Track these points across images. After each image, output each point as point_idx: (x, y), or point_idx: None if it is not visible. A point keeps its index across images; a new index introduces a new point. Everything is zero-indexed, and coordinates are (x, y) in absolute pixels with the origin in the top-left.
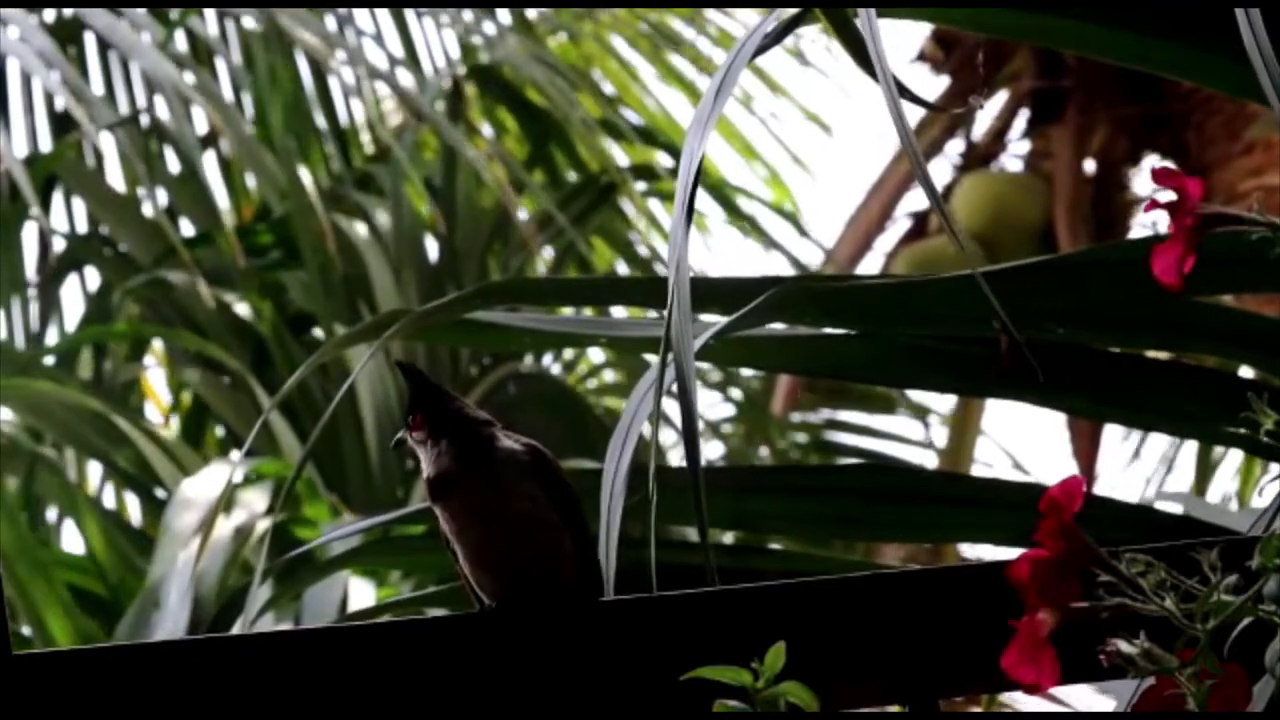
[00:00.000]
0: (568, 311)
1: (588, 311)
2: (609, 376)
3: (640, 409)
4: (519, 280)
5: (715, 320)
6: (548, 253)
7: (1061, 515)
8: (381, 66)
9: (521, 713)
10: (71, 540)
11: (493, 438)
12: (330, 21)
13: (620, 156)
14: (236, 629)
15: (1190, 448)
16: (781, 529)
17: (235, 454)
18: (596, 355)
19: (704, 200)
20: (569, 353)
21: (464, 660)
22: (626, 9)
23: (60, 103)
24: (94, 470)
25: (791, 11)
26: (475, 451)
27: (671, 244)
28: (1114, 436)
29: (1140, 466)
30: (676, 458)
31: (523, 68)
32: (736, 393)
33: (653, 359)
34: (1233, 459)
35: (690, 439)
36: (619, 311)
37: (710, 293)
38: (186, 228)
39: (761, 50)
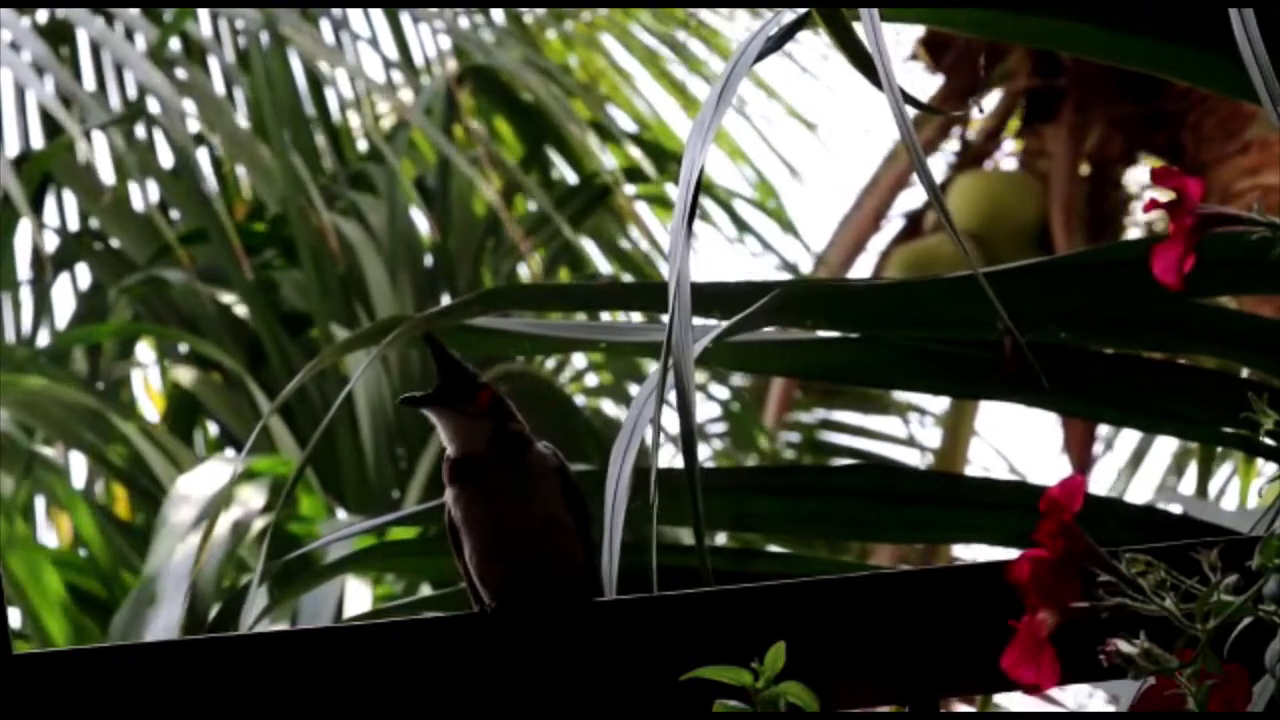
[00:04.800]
0: (557, 316)
1: (581, 316)
2: (598, 379)
3: (642, 416)
4: (519, 286)
5: (713, 323)
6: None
7: (1061, 515)
8: (376, 68)
9: (522, 713)
10: (65, 536)
11: (524, 433)
12: (325, 24)
13: (609, 159)
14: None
15: (1164, 443)
16: (781, 530)
17: (230, 451)
18: (584, 358)
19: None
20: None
21: (464, 660)
22: (619, 9)
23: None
24: (89, 466)
25: (790, 17)
26: (506, 443)
27: (672, 253)
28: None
29: (1113, 459)
30: (674, 461)
31: (517, 71)
32: (723, 392)
33: (650, 363)
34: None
35: (688, 445)
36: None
37: (709, 297)
38: (180, 225)
39: (762, 57)
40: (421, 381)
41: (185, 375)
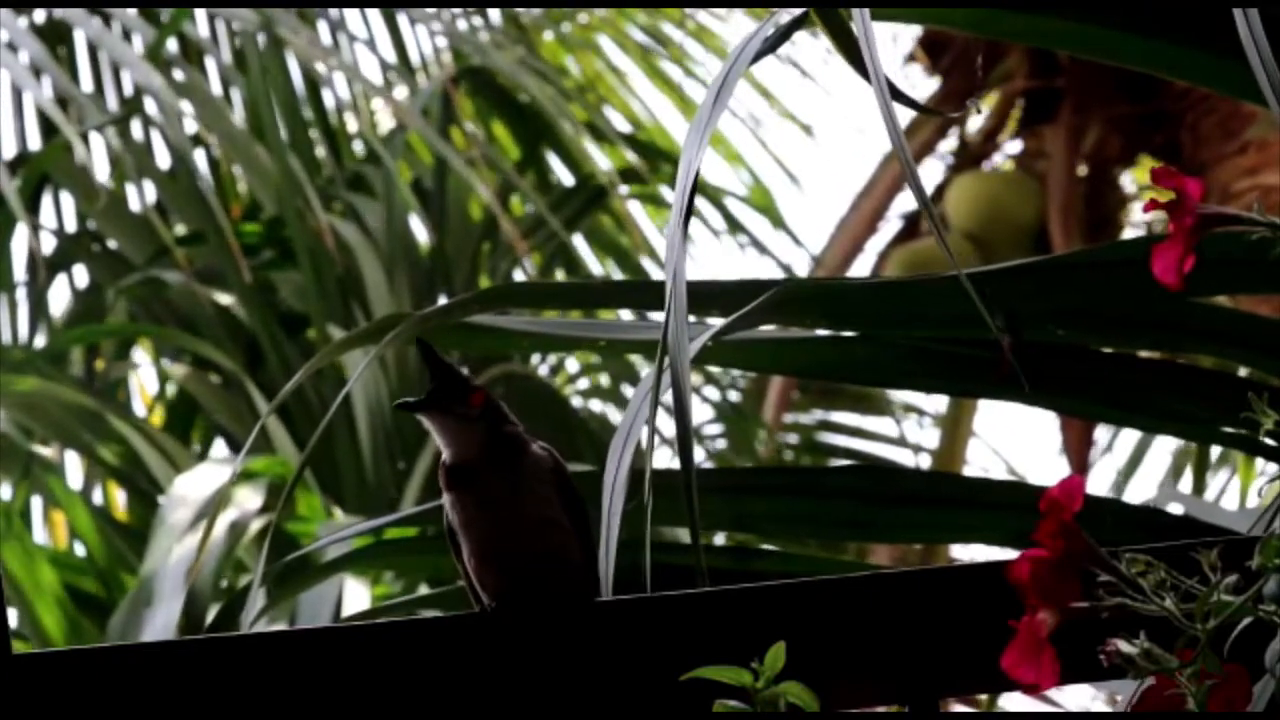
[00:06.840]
0: (555, 314)
1: (578, 315)
2: (594, 381)
3: (639, 415)
4: (517, 284)
5: (712, 322)
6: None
7: (1061, 515)
8: (373, 69)
9: (521, 713)
10: (62, 536)
11: (519, 435)
12: (322, 26)
13: (603, 160)
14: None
15: (1163, 444)
16: (778, 530)
17: (227, 451)
18: (579, 359)
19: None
20: (553, 356)
21: (464, 660)
22: (613, 9)
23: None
24: (86, 467)
25: (787, 17)
26: (501, 445)
27: (669, 250)
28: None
29: (1112, 460)
30: (672, 462)
31: (513, 72)
32: (719, 394)
33: (645, 362)
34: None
35: (684, 443)
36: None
37: (707, 296)
38: (178, 226)
39: (759, 57)
40: (419, 381)
41: (181, 375)
